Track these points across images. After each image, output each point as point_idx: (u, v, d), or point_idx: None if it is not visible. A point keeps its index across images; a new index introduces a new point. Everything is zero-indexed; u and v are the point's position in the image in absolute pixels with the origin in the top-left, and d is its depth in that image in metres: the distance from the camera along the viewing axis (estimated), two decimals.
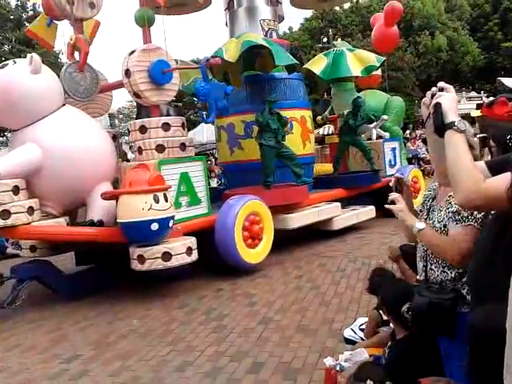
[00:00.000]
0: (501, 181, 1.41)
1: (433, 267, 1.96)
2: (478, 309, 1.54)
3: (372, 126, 9.91)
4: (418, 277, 2.10)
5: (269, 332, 3.75)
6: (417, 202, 10.38)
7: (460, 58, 31.70)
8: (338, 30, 30.68)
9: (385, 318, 2.55)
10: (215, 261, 5.90)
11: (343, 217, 7.84)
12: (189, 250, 5.28)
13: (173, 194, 5.58)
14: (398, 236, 6.97)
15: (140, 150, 5.83)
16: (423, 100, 1.69)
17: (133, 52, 5.78)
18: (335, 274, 5.30)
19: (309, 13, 31.38)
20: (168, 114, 6.85)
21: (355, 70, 8.68)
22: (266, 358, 3.28)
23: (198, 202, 6.06)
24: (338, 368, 2.19)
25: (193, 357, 3.40)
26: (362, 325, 2.88)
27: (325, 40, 15.93)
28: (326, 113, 11.18)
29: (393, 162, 9.90)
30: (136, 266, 5.09)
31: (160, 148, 5.83)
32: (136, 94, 5.92)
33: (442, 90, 1.59)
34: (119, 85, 6.21)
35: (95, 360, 3.53)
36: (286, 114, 7.62)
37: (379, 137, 10.07)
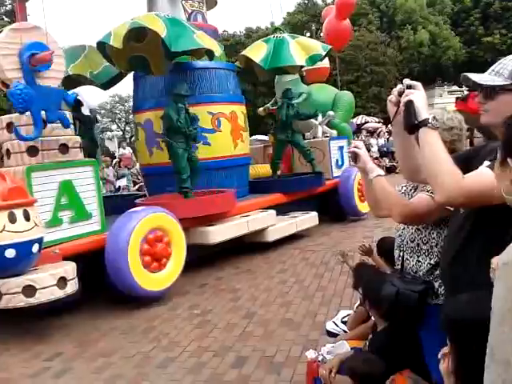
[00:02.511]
0: (480, 176, 1.42)
1: (408, 257, 2.01)
2: (451, 299, 1.56)
3: (318, 122, 9.93)
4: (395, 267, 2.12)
5: (252, 326, 3.97)
6: (367, 206, 10.13)
7: (442, 52, 32.33)
8: (320, 24, 30.60)
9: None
10: (110, 289, 5.21)
11: (279, 226, 7.30)
12: (62, 282, 4.43)
13: (49, 208, 4.89)
14: (380, 229, 7.02)
15: (8, 154, 5.05)
16: (389, 98, 1.72)
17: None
18: (319, 267, 5.54)
19: (291, 7, 31.42)
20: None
21: (299, 58, 8.21)
22: (249, 352, 3.46)
23: (87, 217, 5.26)
24: (319, 360, 2.19)
25: (176, 352, 3.62)
26: (344, 317, 2.92)
27: (308, 35, 15.78)
28: (269, 104, 11.08)
29: (340, 163, 9.75)
30: None
31: (32, 150, 4.95)
32: (4, 84, 5.15)
33: (409, 87, 1.58)
34: None
35: (78, 357, 3.82)
36: (212, 109, 7.48)
37: (325, 135, 9.97)
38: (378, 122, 24.79)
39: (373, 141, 19.64)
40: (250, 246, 7.11)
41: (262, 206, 7.35)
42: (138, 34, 6.58)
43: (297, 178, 8.43)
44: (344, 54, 30.54)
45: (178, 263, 5.49)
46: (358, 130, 24.05)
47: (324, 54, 8.46)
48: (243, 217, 6.80)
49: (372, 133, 21.21)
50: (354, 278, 2.87)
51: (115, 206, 6.33)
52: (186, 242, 5.70)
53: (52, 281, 4.34)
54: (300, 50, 8.24)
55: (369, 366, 2.04)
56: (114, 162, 15.30)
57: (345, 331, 3.10)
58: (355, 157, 2.12)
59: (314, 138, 9.84)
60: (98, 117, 26.69)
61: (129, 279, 4.96)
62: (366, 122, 25.27)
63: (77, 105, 7.72)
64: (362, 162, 2.09)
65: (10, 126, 5.01)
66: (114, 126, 45.02)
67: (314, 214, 8.04)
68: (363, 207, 8.80)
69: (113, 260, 4.97)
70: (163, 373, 3.57)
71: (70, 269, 4.55)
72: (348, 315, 3.26)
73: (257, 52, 8.27)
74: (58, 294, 4.38)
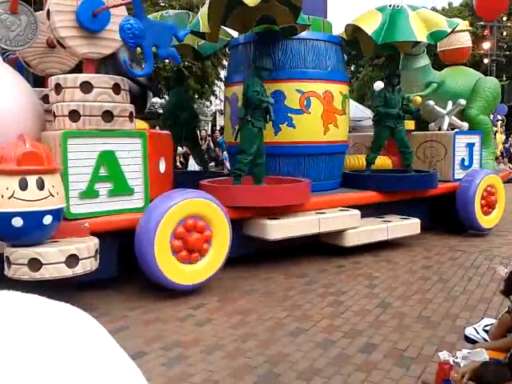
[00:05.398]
0: None
1: None
2: None
3: (445, 112, 8.22)
4: None
5: (386, 316, 4.06)
6: (492, 220, 9.12)
7: None
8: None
9: None
10: (140, 273, 4.92)
11: (362, 230, 6.28)
12: (72, 259, 4.14)
13: (85, 178, 4.62)
14: None
15: (54, 116, 4.87)
16: None
17: None
18: (468, 270, 5.45)
19: None
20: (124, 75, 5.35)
21: (420, 34, 7.03)
22: (379, 340, 3.62)
23: (129, 192, 4.93)
24: (452, 362, 2.12)
25: (307, 325, 3.98)
26: (486, 326, 2.79)
27: None
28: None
29: (467, 163, 8.21)
30: (5, 269, 4.23)
31: (74, 115, 4.68)
32: (58, 43, 4.98)
33: None
34: None
35: (218, 311, 4.64)
36: (302, 86, 6.69)
37: (454, 128, 8.36)
38: None
39: None
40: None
41: (345, 204, 6.42)
42: None
43: (397, 176, 7.18)
44: None
45: (216, 260, 4.95)
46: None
47: (449, 31, 7.19)
48: (318, 213, 6.00)
49: None
50: (505, 283, 2.67)
51: (189, 181, 5.89)
52: (245, 233, 5.55)
53: (60, 257, 4.09)
54: (421, 23, 7.02)
55: (496, 377, 1.91)
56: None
57: (485, 340, 2.91)
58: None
59: (439, 129, 8.31)
60: None
61: (153, 265, 4.53)
62: None
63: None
64: None
65: (57, 88, 4.82)
66: None
67: (416, 220, 6.88)
68: (486, 222, 7.69)
69: (141, 243, 4.58)
70: (293, 341, 3.90)
71: (84, 247, 4.23)
72: (492, 324, 3.05)
73: (369, 22, 7.04)
74: (66, 272, 4.10)
